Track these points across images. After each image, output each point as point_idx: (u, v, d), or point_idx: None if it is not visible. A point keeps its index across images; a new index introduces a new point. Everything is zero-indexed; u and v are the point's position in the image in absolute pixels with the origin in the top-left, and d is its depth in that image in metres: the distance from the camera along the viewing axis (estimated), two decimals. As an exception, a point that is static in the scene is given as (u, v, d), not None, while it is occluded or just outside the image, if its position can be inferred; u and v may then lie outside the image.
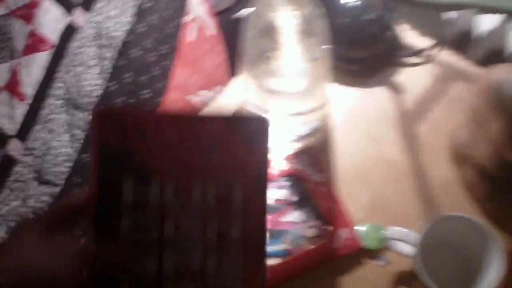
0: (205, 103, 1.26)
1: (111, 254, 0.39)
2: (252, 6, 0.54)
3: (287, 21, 0.53)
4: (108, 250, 0.39)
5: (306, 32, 0.52)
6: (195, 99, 1.23)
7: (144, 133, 0.39)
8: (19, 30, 0.61)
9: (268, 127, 0.39)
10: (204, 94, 1.23)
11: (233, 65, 1.40)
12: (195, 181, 0.39)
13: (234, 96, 0.81)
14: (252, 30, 0.56)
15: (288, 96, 0.61)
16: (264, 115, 0.40)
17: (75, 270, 0.38)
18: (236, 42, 1.55)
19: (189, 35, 1.23)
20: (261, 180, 0.39)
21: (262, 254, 0.39)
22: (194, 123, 0.40)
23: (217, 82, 1.29)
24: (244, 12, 0.53)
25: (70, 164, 0.66)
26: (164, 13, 0.98)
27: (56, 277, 0.37)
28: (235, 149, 0.39)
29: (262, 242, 0.39)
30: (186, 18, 1.16)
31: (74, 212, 0.42)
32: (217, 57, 1.30)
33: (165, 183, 0.39)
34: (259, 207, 0.39)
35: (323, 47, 0.61)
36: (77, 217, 0.42)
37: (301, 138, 0.72)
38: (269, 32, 0.55)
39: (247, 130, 0.39)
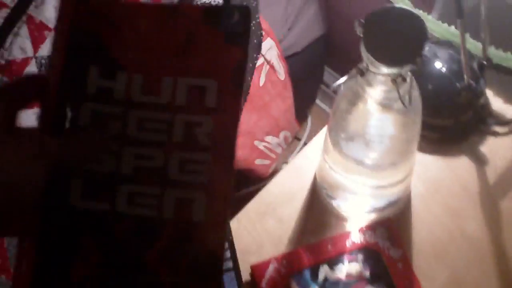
0: (272, 151, 1.24)
1: (66, 151, 0.34)
2: (346, 77, 0.52)
3: (380, 94, 0.51)
4: (63, 146, 0.34)
5: (399, 105, 0.50)
6: (262, 144, 1.22)
7: (116, 22, 0.37)
8: None
9: (250, 19, 0.36)
10: (270, 140, 1.22)
11: (301, 111, 1.38)
12: (165, 78, 0.37)
13: (310, 157, 0.77)
14: (343, 99, 0.54)
15: (371, 167, 0.58)
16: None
17: (38, 173, 0.32)
18: (304, 88, 1.52)
19: (259, 79, 1.22)
20: (237, 82, 0.36)
21: (231, 159, 0.36)
22: (169, 13, 0.37)
23: (284, 127, 1.28)
24: (338, 81, 0.52)
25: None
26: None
27: (16, 183, 0.31)
28: (212, 44, 0.37)
29: (231, 146, 0.36)
30: (258, 62, 1.16)
31: (26, 99, 0.36)
32: (284, 102, 1.29)
33: (133, 77, 0.36)
34: (233, 109, 0.36)
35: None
36: (27, 105, 0.35)
37: (378, 210, 0.69)
38: (359, 103, 0.53)
39: (226, 23, 0.36)
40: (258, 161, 1.18)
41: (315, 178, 0.76)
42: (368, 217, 0.71)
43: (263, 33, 1.12)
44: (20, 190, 0.31)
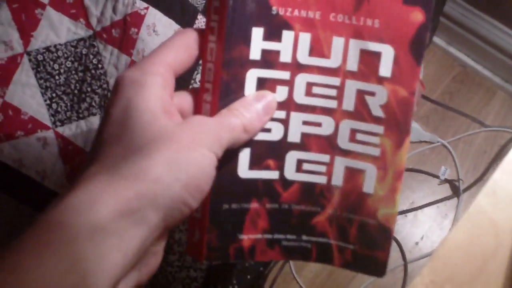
0: None
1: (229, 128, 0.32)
2: None
3: None
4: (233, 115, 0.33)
5: None
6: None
7: None
8: None
9: None
10: None
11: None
12: (336, 38, 0.34)
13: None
14: None
15: None
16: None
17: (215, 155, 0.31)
18: None
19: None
20: (417, 51, 0.34)
21: (405, 134, 0.34)
22: None
23: None
24: None
25: None
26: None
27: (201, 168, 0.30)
28: (389, 3, 0.33)
29: (406, 121, 0.34)
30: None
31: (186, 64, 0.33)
32: None
33: (301, 37, 0.34)
34: (410, 81, 0.34)
35: None
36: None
37: None
38: None
39: None
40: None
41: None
42: None
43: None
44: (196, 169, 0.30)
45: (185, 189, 0.29)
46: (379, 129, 0.35)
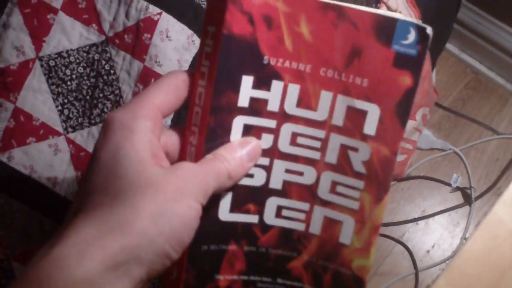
0: (408, 141, 0.90)
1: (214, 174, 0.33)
2: None
3: None
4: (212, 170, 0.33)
5: None
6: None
7: (274, 25, 0.33)
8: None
9: (428, 42, 0.33)
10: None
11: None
12: (324, 92, 0.35)
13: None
14: None
15: None
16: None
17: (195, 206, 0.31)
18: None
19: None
20: (402, 113, 0.34)
21: (384, 191, 0.35)
22: (336, 17, 0.33)
23: (422, 102, 0.90)
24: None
25: None
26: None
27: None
28: (380, 63, 0.34)
29: (386, 179, 0.35)
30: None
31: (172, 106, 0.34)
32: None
33: (290, 88, 0.35)
34: (393, 142, 0.34)
35: None
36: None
37: None
38: None
39: (401, 41, 0.33)
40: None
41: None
42: None
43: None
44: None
45: (168, 242, 0.29)
46: (360, 184, 0.35)
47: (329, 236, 0.36)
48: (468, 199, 1.23)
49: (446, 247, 1.20)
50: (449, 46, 1.39)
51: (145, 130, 0.31)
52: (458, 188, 1.24)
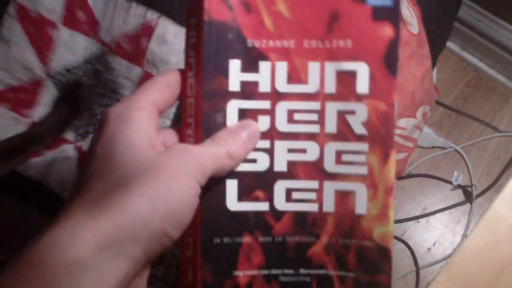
0: (408, 139, 0.91)
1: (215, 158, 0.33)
2: None
3: None
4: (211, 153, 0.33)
5: None
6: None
7: (252, 6, 0.35)
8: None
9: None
10: (404, 125, 0.84)
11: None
12: (311, 63, 0.35)
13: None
14: None
15: None
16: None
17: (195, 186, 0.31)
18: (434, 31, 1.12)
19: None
20: (391, 63, 0.35)
21: (390, 147, 0.35)
22: None
23: (423, 101, 0.89)
24: None
25: None
26: None
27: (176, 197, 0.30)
28: (359, 21, 0.35)
29: (389, 133, 0.35)
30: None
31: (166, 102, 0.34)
32: (421, 66, 0.89)
33: (277, 66, 0.35)
34: (388, 94, 0.35)
35: None
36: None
37: None
38: None
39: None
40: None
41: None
42: None
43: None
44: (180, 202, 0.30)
45: (165, 220, 0.29)
46: (364, 146, 0.35)
47: (344, 210, 0.35)
48: (469, 197, 1.23)
49: (447, 244, 1.20)
50: (450, 44, 1.39)
51: (141, 119, 0.31)
52: (459, 186, 1.25)
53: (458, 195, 1.25)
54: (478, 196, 1.23)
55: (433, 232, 1.21)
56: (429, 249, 1.19)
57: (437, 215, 1.23)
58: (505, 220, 0.52)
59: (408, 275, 1.15)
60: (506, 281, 0.49)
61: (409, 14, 0.83)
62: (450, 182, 1.25)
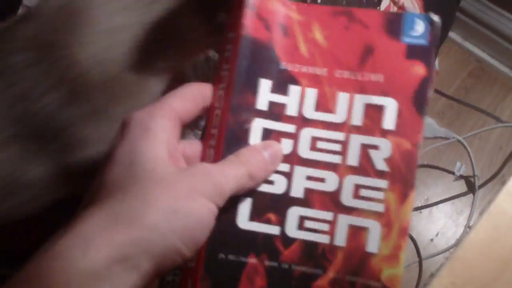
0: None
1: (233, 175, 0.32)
2: None
3: None
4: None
5: None
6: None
7: (289, 30, 0.36)
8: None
9: (437, 31, 0.34)
10: None
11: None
12: (341, 94, 0.35)
13: None
14: None
15: None
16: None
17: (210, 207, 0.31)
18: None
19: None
20: (420, 103, 0.34)
21: (410, 188, 0.34)
22: (347, 19, 0.36)
23: None
24: None
25: None
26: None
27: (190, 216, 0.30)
28: (393, 57, 0.35)
29: (411, 174, 0.34)
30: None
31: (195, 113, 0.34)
32: None
33: (307, 92, 0.35)
34: (414, 133, 0.34)
35: None
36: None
37: None
38: None
39: (410, 33, 0.35)
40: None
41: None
42: None
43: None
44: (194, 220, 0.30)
45: (180, 239, 0.28)
46: (383, 183, 0.34)
47: (355, 246, 0.34)
48: (471, 188, 1.24)
49: (449, 235, 1.21)
50: (452, 34, 1.38)
51: (162, 129, 0.31)
52: (461, 177, 1.25)
53: (461, 186, 1.25)
54: (480, 186, 1.23)
55: (436, 222, 1.22)
56: (431, 239, 1.20)
57: (440, 205, 1.23)
58: (508, 214, 0.52)
59: (411, 265, 1.16)
60: (509, 275, 0.49)
61: (412, 5, 0.83)
62: (453, 173, 1.25)
